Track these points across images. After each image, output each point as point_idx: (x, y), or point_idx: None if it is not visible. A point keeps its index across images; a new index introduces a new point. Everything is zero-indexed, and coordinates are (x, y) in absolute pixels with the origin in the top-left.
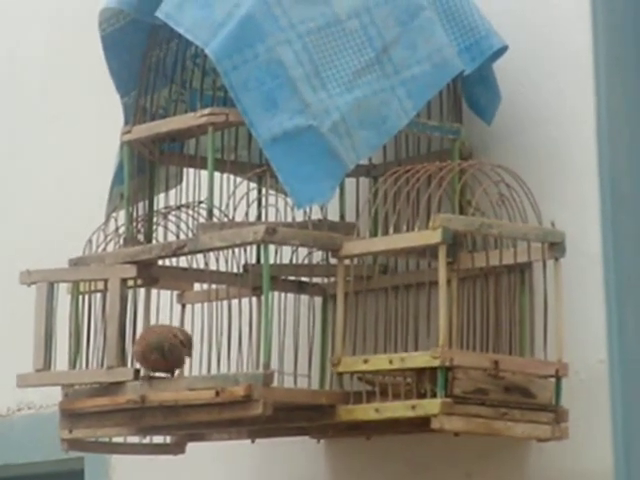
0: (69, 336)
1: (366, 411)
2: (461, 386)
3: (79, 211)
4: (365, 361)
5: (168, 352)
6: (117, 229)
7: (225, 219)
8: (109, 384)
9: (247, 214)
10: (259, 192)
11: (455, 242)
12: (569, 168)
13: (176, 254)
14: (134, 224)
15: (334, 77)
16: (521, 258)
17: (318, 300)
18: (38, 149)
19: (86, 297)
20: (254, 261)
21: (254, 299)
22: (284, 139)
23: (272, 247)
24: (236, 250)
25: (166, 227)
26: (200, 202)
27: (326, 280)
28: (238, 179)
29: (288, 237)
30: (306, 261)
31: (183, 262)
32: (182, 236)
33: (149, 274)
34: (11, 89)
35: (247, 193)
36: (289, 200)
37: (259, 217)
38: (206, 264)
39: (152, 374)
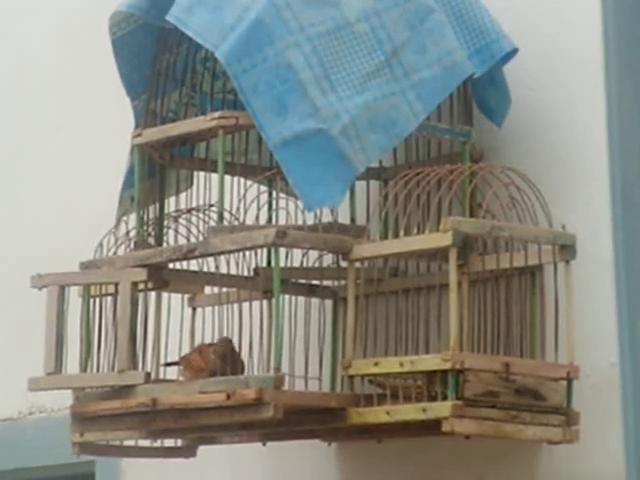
0: (80, 339)
1: (377, 414)
2: (472, 389)
3: (90, 215)
4: (376, 364)
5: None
6: (128, 232)
7: (236, 222)
8: (120, 387)
9: (257, 217)
10: (269, 195)
11: (466, 245)
12: (580, 171)
13: (187, 257)
14: (145, 227)
15: (344, 80)
16: (532, 261)
17: (329, 303)
18: (48, 153)
19: (97, 300)
20: (265, 264)
21: (265, 302)
22: (294, 142)
23: (283, 250)
24: (247, 253)
25: (177, 230)
26: (211, 205)
27: (337, 283)
28: (248, 182)
29: (298, 240)
30: (317, 264)
31: (194, 265)
32: (193, 239)
33: (160, 277)
34: (20, 95)
35: (257, 196)
36: (299, 203)
37: (269, 220)
38: (217, 267)
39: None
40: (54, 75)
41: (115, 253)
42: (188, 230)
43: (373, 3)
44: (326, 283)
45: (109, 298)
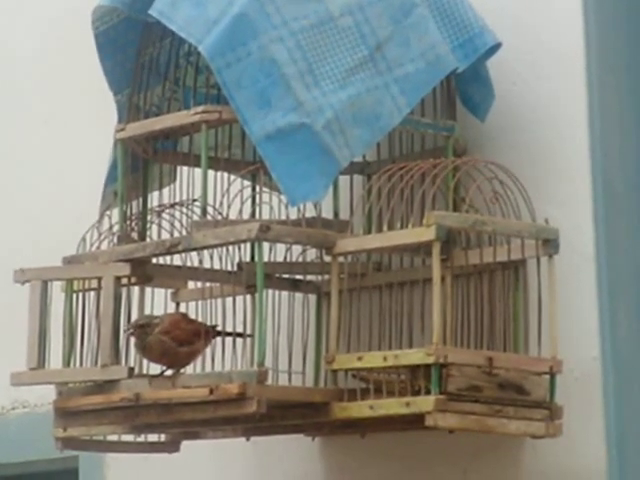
0: (63, 334)
1: (360, 408)
2: (455, 383)
3: (73, 209)
4: (359, 358)
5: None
6: (111, 227)
7: (219, 217)
8: (103, 382)
9: (241, 212)
10: (253, 190)
11: (449, 239)
12: (562, 165)
13: (170, 252)
14: (128, 222)
15: (327, 75)
16: (515, 255)
17: (312, 298)
18: (32, 147)
19: (80, 295)
20: (248, 259)
21: (248, 297)
22: (277, 137)
23: (266, 245)
24: (230, 248)
25: (160, 225)
26: (194, 200)
27: (320, 278)
28: (232, 177)
29: (282, 235)
30: (300, 259)
31: (177, 260)
32: (176, 234)
33: (143, 272)
34: (4, 90)
35: (241, 191)
36: (283, 198)
37: (253, 215)
38: (200, 262)
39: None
40: (39, 69)
41: (98, 248)
42: (171, 225)
43: None
44: (310, 278)
45: (92, 293)
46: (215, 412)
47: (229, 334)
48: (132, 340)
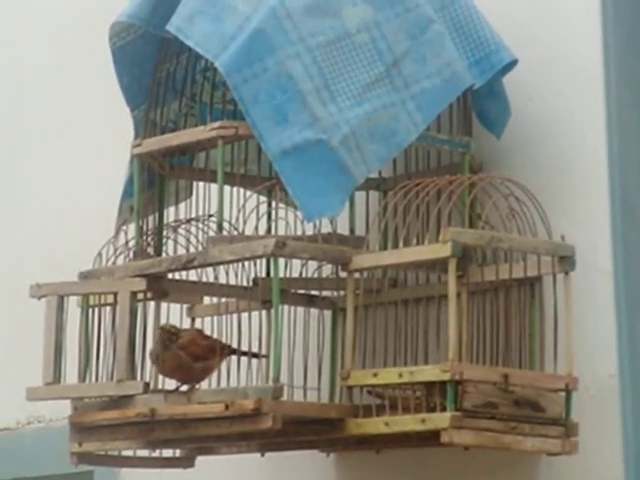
0: (79, 349)
1: (376, 425)
2: (471, 400)
3: (89, 224)
4: (375, 375)
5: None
6: (127, 242)
7: (235, 232)
8: (119, 397)
9: (257, 227)
10: (269, 205)
11: (465, 256)
12: (579, 182)
13: (186, 267)
14: (144, 237)
15: (344, 91)
16: (531, 272)
17: (328, 313)
18: (47, 162)
19: (96, 310)
20: (264, 274)
21: (264, 312)
22: (294, 153)
23: (282, 260)
24: (246, 263)
25: (176, 240)
26: (210, 215)
27: (336, 293)
28: (248, 192)
29: (298, 250)
30: (316, 274)
31: (193, 275)
32: (192, 249)
33: (159, 287)
34: (19, 102)
35: (257, 206)
36: (299, 213)
37: (269, 230)
38: (216, 277)
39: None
40: (54, 82)
41: (114, 263)
42: (187, 240)
43: (373, 14)
44: (325, 293)
45: (108, 308)
46: (230, 428)
47: (244, 353)
48: (147, 349)
